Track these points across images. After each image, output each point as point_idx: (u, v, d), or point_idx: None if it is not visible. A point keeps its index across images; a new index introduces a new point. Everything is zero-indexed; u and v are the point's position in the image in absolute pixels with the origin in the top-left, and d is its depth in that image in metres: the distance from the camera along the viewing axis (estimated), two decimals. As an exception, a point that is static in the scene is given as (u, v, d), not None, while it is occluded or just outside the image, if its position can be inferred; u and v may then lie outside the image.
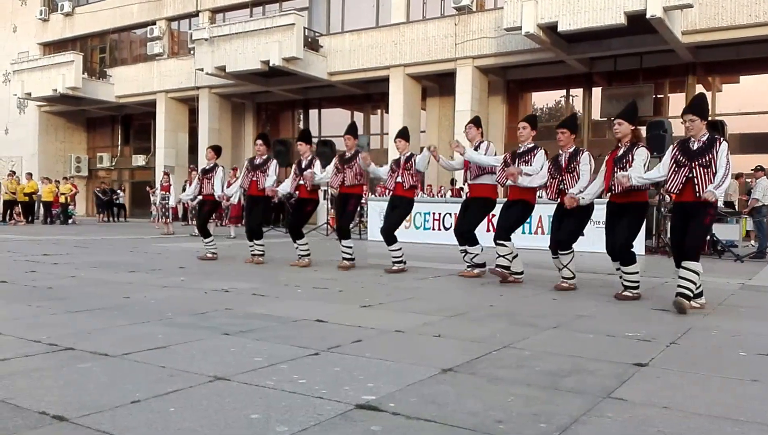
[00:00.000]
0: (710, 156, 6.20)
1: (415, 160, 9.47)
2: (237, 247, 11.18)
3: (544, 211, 13.11)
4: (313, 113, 32.02)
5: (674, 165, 6.45)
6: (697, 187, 6.22)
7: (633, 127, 7.14)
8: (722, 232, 14.09)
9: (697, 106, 6.46)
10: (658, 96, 23.58)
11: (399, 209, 9.54)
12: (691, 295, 6.31)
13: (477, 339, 4.68)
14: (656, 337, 4.89)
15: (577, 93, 25.58)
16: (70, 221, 27.08)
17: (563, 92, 26.11)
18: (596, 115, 24.53)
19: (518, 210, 8.34)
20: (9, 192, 25.81)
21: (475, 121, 9.23)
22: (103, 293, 6.77)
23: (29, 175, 27.75)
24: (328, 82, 27.79)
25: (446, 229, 16.09)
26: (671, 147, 6.69)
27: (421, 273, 9.31)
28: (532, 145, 8.30)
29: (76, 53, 33.65)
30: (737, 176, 18.59)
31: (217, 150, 11.53)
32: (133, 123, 38.27)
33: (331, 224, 19.76)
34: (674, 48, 21.05)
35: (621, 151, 7.10)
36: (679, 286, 6.31)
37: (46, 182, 27.41)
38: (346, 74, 27.26)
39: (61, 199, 27.19)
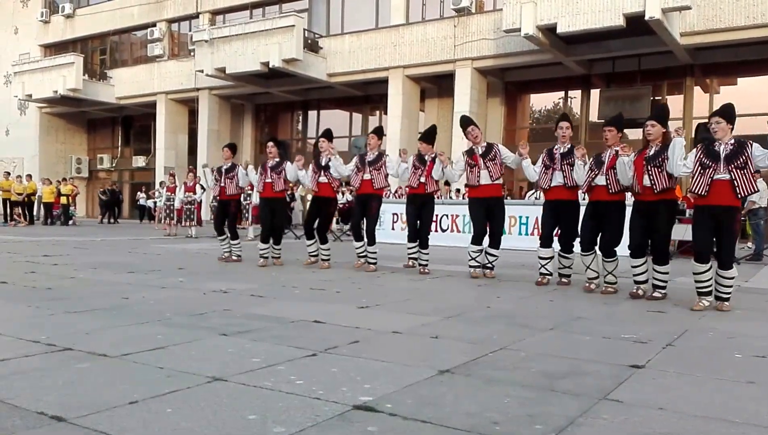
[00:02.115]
0: (745, 157, 6.28)
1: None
2: (246, 249, 11.15)
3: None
4: (312, 114, 32.06)
5: (699, 167, 6.47)
6: (737, 188, 6.27)
7: (665, 130, 7.15)
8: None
9: (726, 113, 6.59)
10: (656, 98, 23.60)
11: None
12: (730, 297, 6.51)
13: (474, 340, 4.69)
14: (652, 338, 4.89)
15: (576, 94, 25.62)
16: (70, 222, 27.07)
17: (561, 94, 26.16)
18: (594, 117, 24.53)
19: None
20: (2, 189, 25.80)
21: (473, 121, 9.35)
22: (102, 294, 6.77)
23: (29, 177, 27.73)
24: (327, 83, 27.83)
25: (443, 230, 16.09)
26: (695, 149, 6.70)
27: (419, 274, 9.31)
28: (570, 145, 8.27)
29: (76, 55, 33.69)
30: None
31: (233, 148, 11.49)
32: (133, 124, 38.31)
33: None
34: (673, 50, 21.09)
35: (653, 151, 7.06)
36: (719, 291, 6.50)
37: (46, 183, 27.39)
38: (346, 75, 27.30)
39: (63, 200, 27.17)
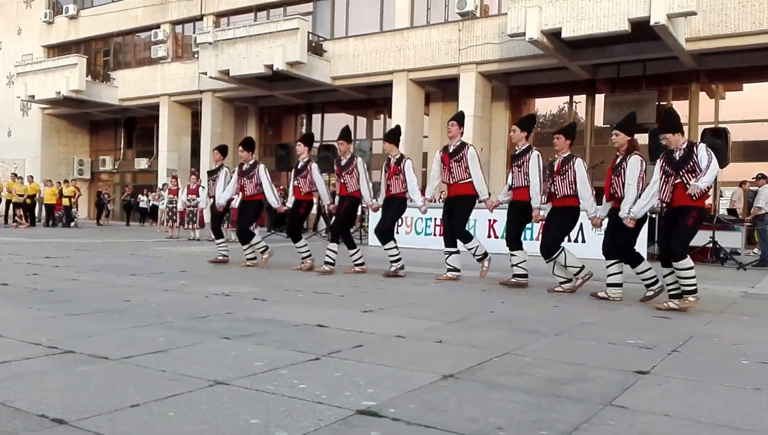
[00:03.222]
0: (693, 162, 6.63)
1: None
2: (240, 252, 11.16)
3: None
4: (315, 118, 32.04)
5: (663, 175, 6.82)
6: (687, 188, 6.60)
7: (630, 138, 7.36)
8: (725, 239, 14.05)
9: (669, 124, 6.94)
10: (662, 103, 23.54)
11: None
12: (695, 289, 6.71)
13: (478, 345, 4.67)
14: (658, 344, 4.87)
15: (580, 99, 25.58)
16: (72, 224, 27.08)
17: (566, 98, 26.11)
18: (599, 121, 24.51)
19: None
20: (8, 190, 25.86)
21: (459, 118, 9.37)
22: (104, 296, 6.76)
23: (30, 178, 27.76)
24: (331, 86, 27.82)
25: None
26: (659, 159, 7.03)
27: (422, 278, 9.29)
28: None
29: (80, 56, 33.70)
30: (741, 183, 18.57)
31: (222, 150, 11.63)
32: (136, 126, 38.30)
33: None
34: (678, 55, 21.06)
35: (618, 160, 7.39)
36: (682, 285, 6.76)
37: (48, 185, 27.41)
38: (350, 79, 27.29)
39: (65, 202, 27.20)
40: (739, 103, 22.67)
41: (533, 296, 7.71)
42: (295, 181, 10.36)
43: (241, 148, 10.78)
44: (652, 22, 18.30)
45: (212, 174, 11.50)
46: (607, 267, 7.47)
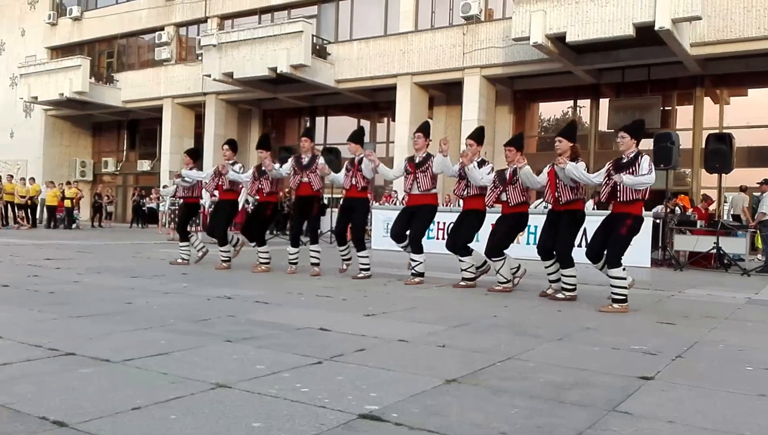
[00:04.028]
0: (634, 168, 6.98)
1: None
2: (243, 254, 11.15)
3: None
4: (319, 120, 32.05)
5: (607, 177, 7.19)
6: (619, 194, 7.03)
7: (572, 144, 7.72)
8: (729, 245, 14.02)
9: (629, 127, 7.36)
10: (666, 108, 23.55)
11: (357, 212, 9.84)
12: (623, 299, 7.04)
13: (481, 349, 4.65)
14: (662, 350, 4.85)
15: (585, 104, 25.56)
16: (73, 226, 27.09)
17: (570, 103, 26.10)
18: (603, 126, 24.48)
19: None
20: (5, 192, 25.85)
21: (424, 130, 9.50)
22: (105, 298, 6.76)
23: (32, 180, 27.78)
24: (335, 89, 27.81)
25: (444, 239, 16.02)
26: (608, 163, 7.41)
27: (425, 282, 9.28)
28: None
29: (83, 58, 33.70)
30: (743, 189, 18.54)
31: (191, 153, 11.76)
32: (139, 128, 38.32)
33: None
34: (682, 60, 21.03)
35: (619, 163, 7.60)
36: (612, 292, 7.11)
37: (50, 186, 27.42)
38: (354, 82, 27.29)
39: (67, 204, 27.21)
40: (743, 109, 22.63)
41: (536, 301, 7.70)
42: (259, 183, 10.41)
43: (227, 147, 10.95)
44: (656, 27, 18.27)
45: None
46: (600, 269, 7.52)
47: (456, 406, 3.26)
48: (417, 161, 9.19)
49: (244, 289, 7.81)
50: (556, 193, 7.71)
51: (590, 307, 7.23)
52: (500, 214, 8.59)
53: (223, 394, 3.33)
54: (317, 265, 10.07)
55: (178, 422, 2.87)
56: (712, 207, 18.03)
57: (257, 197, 10.52)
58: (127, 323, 5.28)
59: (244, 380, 3.58)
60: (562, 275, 7.77)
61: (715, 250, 13.64)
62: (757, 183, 15.32)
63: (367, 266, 9.72)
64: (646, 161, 6.98)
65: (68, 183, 29.23)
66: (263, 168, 10.25)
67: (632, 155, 7.09)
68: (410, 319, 6.06)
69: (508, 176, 8.35)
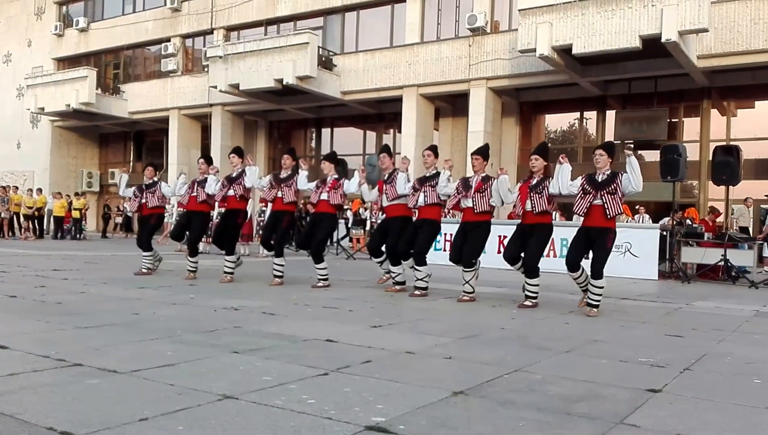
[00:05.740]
0: (615, 184, 7.46)
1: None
2: (250, 265, 11.16)
3: (558, 233, 12.99)
4: (325, 132, 32.08)
5: (581, 192, 7.66)
6: (607, 211, 7.44)
7: (546, 163, 8.22)
8: (736, 257, 13.97)
9: (606, 145, 8.06)
10: (673, 120, 23.50)
11: (323, 225, 10.06)
12: (597, 305, 7.59)
13: (488, 362, 4.64)
14: (670, 363, 4.83)
15: (591, 116, 25.54)
16: (79, 237, 27.12)
17: (577, 115, 26.05)
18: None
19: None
20: (14, 203, 25.91)
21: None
22: (112, 309, 6.76)
23: (39, 190, 27.84)
24: (341, 101, 27.84)
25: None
26: (580, 177, 7.86)
27: (432, 294, 9.26)
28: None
29: (90, 69, 33.79)
30: (745, 200, 18.49)
31: (155, 167, 12.48)
32: (145, 139, 38.38)
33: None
34: (689, 72, 21.00)
35: (535, 181, 8.15)
36: (590, 298, 7.64)
37: (57, 197, 27.47)
38: (360, 93, 27.31)
39: (75, 215, 27.25)
40: (751, 121, 22.57)
41: (544, 313, 7.68)
42: (231, 191, 10.50)
43: (202, 160, 11.38)
44: (663, 39, 18.25)
45: (150, 187, 12.25)
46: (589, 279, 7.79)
47: (463, 418, 3.25)
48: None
49: (250, 301, 7.81)
50: (529, 207, 8.10)
51: (597, 320, 7.22)
52: (462, 222, 8.90)
53: (230, 405, 3.32)
54: (280, 277, 10.09)
55: (184, 433, 2.87)
56: (720, 219, 17.97)
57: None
58: (134, 334, 5.28)
59: (251, 391, 3.58)
60: (527, 283, 8.14)
61: (722, 263, 13.58)
62: (765, 195, 15.27)
63: (326, 276, 9.92)
64: (626, 179, 7.45)
65: (77, 194, 29.27)
66: (233, 174, 10.60)
67: (608, 173, 7.57)
68: (417, 330, 6.05)
69: (475, 184, 8.63)
